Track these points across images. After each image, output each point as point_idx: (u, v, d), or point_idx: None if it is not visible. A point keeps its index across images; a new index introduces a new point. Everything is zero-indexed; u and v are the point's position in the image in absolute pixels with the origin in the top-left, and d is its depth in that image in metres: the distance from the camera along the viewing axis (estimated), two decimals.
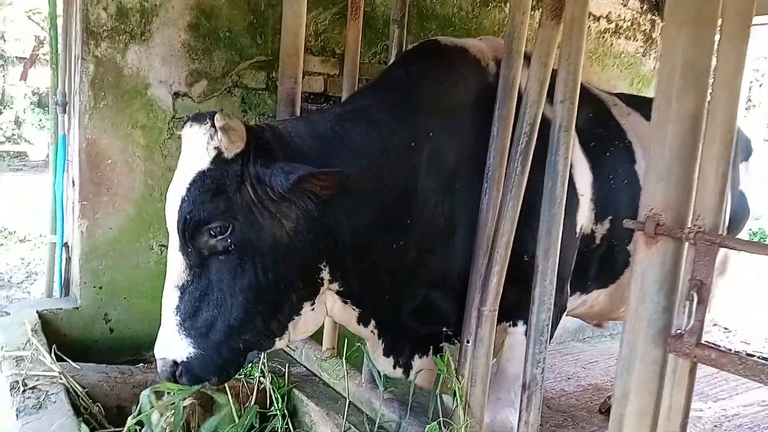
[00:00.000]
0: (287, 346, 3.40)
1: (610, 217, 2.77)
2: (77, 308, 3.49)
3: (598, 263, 2.84)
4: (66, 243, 3.78)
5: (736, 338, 6.38)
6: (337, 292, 2.35)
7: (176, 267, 2.07)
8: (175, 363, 2.08)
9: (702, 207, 1.68)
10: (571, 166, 2.53)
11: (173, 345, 2.07)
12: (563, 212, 2.17)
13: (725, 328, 6.66)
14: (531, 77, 2.20)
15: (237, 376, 3.01)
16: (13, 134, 17.23)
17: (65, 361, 2.78)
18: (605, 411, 4.45)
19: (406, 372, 2.69)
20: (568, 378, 5.02)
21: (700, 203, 1.68)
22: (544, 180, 2.18)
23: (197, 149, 2.03)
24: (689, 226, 1.70)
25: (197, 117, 2.08)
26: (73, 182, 3.58)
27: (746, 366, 1.57)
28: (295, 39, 3.61)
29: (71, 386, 2.55)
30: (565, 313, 2.75)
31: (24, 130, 17.68)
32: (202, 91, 3.65)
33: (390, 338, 2.60)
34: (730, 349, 1.63)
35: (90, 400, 2.56)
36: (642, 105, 3.22)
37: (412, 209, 2.35)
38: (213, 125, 2.01)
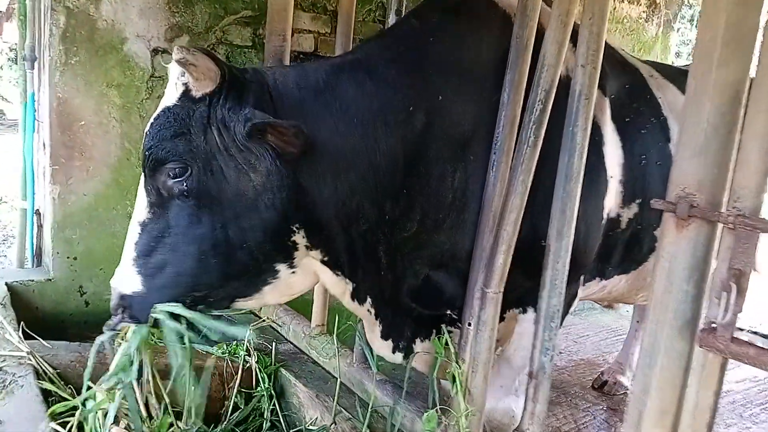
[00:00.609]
0: (273, 321, 3.24)
1: (638, 201, 2.56)
2: (50, 280, 3.28)
3: (622, 248, 2.65)
4: (38, 210, 3.54)
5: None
6: (322, 261, 2.16)
7: (140, 202, 1.99)
8: (122, 296, 1.99)
9: (742, 187, 1.50)
10: (602, 144, 2.34)
11: (125, 278, 1.98)
12: (579, 189, 1.98)
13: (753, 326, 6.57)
14: (548, 37, 1.99)
15: (221, 354, 2.85)
16: None
17: (35, 339, 2.58)
18: (598, 387, 4.38)
19: (407, 356, 2.51)
20: (560, 353, 4.92)
21: (740, 183, 1.51)
22: (560, 154, 1.99)
23: (170, 84, 1.93)
24: (728, 208, 1.53)
25: (179, 48, 1.91)
26: (44, 145, 3.33)
27: None
28: None
29: (41, 367, 2.36)
30: (578, 299, 2.58)
31: (1, 87, 17.10)
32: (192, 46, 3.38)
33: (389, 319, 2.41)
34: None
35: (62, 383, 2.37)
36: (678, 77, 3.01)
37: (412, 179, 2.15)
38: None
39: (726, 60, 1.54)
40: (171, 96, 1.91)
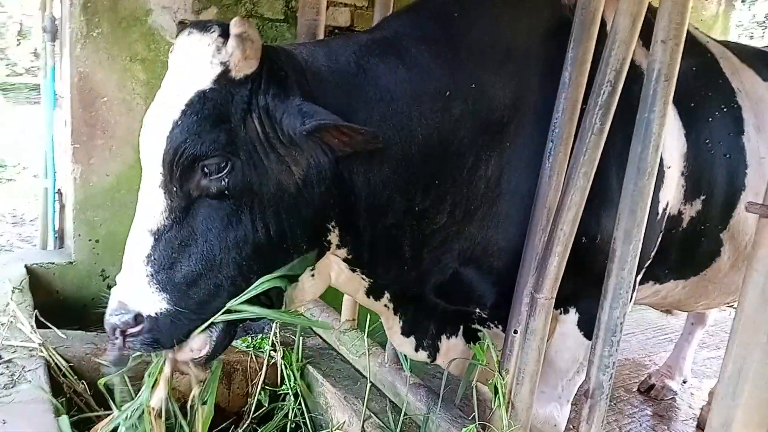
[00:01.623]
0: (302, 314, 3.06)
1: (702, 197, 2.30)
2: (71, 263, 3.16)
3: (681, 250, 2.39)
4: (59, 190, 3.41)
5: None
6: (345, 260, 1.97)
7: (153, 207, 1.66)
8: (139, 315, 1.67)
9: None
10: None
11: (142, 295, 1.67)
12: (653, 186, 1.72)
13: None
14: (620, 9, 1.72)
15: (246, 348, 2.69)
16: (31, 66, 16.83)
17: (49, 328, 2.43)
18: (645, 390, 4.11)
19: (432, 355, 2.31)
20: None
21: None
22: (632, 144, 1.72)
23: (198, 64, 1.62)
24: None
25: (200, 24, 1.69)
26: (65, 122, 3.18)
27: None
28: None
29: (53, 359, 2.21)
30: (631, 304, 2.32)
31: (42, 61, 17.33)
32: (212, 19, 3.17)
33: (411, 315, 2.22)
34: None
35: (75, 377, 2.22)
36: (758, 59, 2.68)
37: (443, 168, 1.94)
38: (222, 35, 1.63)
39: None
40: (201, 78, 1.62)
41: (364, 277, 2.06)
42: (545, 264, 1.93)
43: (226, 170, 1.63)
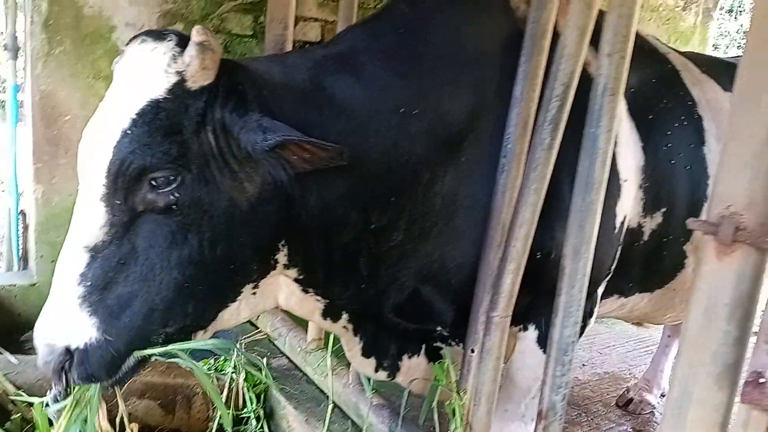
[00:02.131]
0: (267, 334, 3.02)
1: (663, 210, 2.27)
2: (34, 285, 3.10)
3: (644, 263, 2.37)
4: (23, 210, 3.36)
5: None
6: (296, 280, 1.89)
7: (92, 222, 1.57)
8: (67, 351, 1.58)
9: None
10: (614, 143, 2.05)
11: (68, 326, 1.57)
12: (602, 201, 1.69)
13: None
14: (569, 22, 1.70)
15: (207, 370, 2.63)
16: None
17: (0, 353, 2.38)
18: (623, 405, 4.06)
19: (392, 374, 2.26)
20: (583, 365, 4.60)
21: None
22: (580, 159, 1.69)
23: (152, 72, 1.57)
24: None
25: (155, 32, 1.64)
26: (28, 141, 3.14)
27: None
28: None
29: (1, 385, 2.15)
30: (594, 317, 2.29)
31: None
32: (167, 28, 3.15)
33: (370, 335, 2.16)
34: None
35: (26, 405, 2.16)
36: (720, 70, 2.67)
37: (400, 184, 1.90)
38: (179, 44, 1.58)
39: None
40: (154, 87, 1.56)
41: (318, 298, 1.99)
42: (500, 282, 1.89)
43: (175, 184, 1.56)
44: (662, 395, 4.11)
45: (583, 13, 1.66)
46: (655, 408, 4.04)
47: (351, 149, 1.75)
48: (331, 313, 2.06)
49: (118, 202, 1.57)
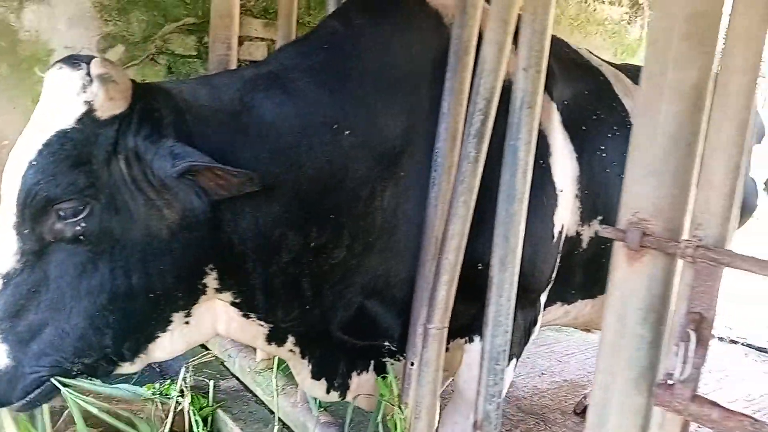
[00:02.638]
0: (216, 356, 2.98)
1: (600, 218, 2.32)
2: None
3: (585, 271, 2.41)
4: None
5: (720, 324, 6.01)
6: (233, 304, 1.85)
7: (3, 250, 1.58)
8: None
9: (705, 212, 1.24)
10: (548, 155, 2.10)
11: None
12: (525, 211, 1.72)
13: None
14: (487, 38, 1.73)
15: (151, 395, 2.59)
16: None
17: None
18: (580, 412, 4.09)
19: (343, 394, 2.25)
20: (542, 373, 4.63)
21: (703, 208, 1.25)
22: (502, 171, 1.72)
23: (62, 101, 1.56)
24: (687, 238, 1.26)
25: (71, 59, 1.61)
26: None
27: None
28: None
29: None
30: (539, 326, 2.31)
31: None
32: (119, 58, 3.14)
33: (318, 356, 2.14)
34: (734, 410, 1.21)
35: None
36: None
37: (339, 201, 1.89)
38: (89, 72, 1.56)
39: (684, 58, 1.28)
40: (63, 117, 1.55)
41: (261, 322, 1.95)
42: (435, 294, 1.91)
43: (82, 214, 1.55)
44: None
45: (500, 29, 1.70)
46: None
47: (284, 168, 1.77)
48: (276, 337, 2.02)
49: (27, 231, 1.57)
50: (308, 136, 1.82)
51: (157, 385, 2.65)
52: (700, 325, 1.21)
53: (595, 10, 5.17)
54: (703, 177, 1.26)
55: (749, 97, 1.21)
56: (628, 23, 5.48)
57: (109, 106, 1.56)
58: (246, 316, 1.90)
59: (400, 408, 2.03)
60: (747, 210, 3.22)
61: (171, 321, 1.75)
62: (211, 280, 1.77)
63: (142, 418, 2.51)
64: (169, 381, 2.66)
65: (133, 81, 1.67)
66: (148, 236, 1.62)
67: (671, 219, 1.32)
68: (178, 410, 2.56)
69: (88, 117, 1.56)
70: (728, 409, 1.20)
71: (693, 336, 1.21)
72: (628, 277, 1.37)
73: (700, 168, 1.28)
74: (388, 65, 2.01)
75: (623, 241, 1.35)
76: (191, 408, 2.57)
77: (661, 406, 1.29)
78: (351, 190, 1.90)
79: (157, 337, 1.75)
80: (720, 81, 1.24)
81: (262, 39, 3.61)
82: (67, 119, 1.55)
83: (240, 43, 3.39)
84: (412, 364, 2.01)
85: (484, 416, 1.79)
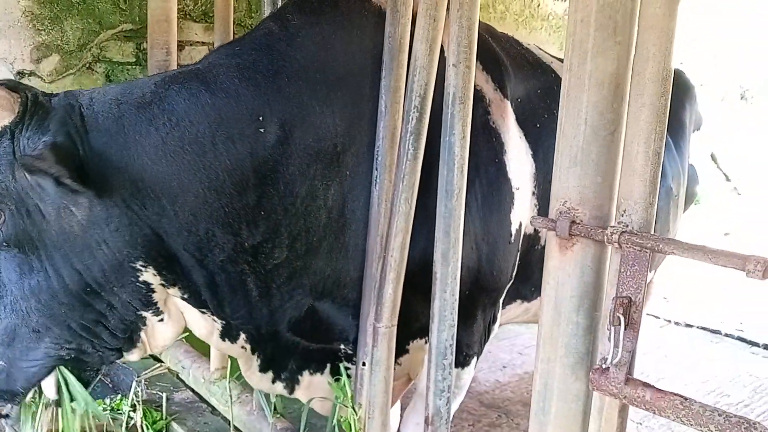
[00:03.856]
0: (169, 368, 2.94)
1: None
2: None
3: (541, 267, 2.42)
4: None
5: (675, 308, 6.19)
6: (183, 299, 1.90)
7: None
8: None
9: (629, 199, 1.27)
10: (503, 153, 2.10)
11: None
12: (463, 206, 1.73)
13: (664, 298, 6.46)
14: (417, 35, 1.74)
15: (101, 410, 2.53)
16: None
17: None
18: None
19: (290, 387, 2.22)
20: (503, 367, 4.68)
21: (626, 194, 1.28)
22: (439, 167, 1.73)
23: None
24: (613, 224, 1.29)
25: None
26: None
27: (690, 412, 1.17)
28: (165, 2, 3.06)
29: None
30: (498, 324, 2.33)
31: None
32: (54, 68, 3.05)
33: (268, 353, 2.14)
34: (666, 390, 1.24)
35: None
36: None
37: (271, 199, 1.88)
38: None
39: (602, 48, 1.31)
40: None
41: (215, 318, 1.98)
42: (382, 292, 1.91)
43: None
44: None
45: (430, 26, 1.71)
46: None
47: (196, 157, 1.77)
48: (228, 334, 2.03)
49: None
50: (225, 127, 1.81)
51: (107, 401, 2.59)
52: (629, 309, 1.24)
53: (539, 5, 5.24)
54: (625, 164, 1.29)
55: (664, 84, 1.24)
56: None
57: None
58: (201, 311, 1.95)
59: (353, 409, 2.03)
60: (689, 197, 3.30)
61: (144, 317, 1.85)
62: (151, 277, 1.80)
63: None
64: (120, 396, 2.60)
65: (28, 90, 1.72)
66: (63, 234, 1.69)
67: (598, 207, 1.35)
68: (130, 425, 2.50)
69: None
70: (660, 390, 1.23)
71: (622, 320, 1.23)
72: (561, 265, 1.39)
73: (623, 156, 1.31)
74: (325, 64, 1.98)
75: (553, 230, 1.37)
76: (144, 422, 2.52)
77: (598, 391, 1.31)
78: (285, 188, 1.88)
79: (141, 329, 1.87)
80: (635, 69, 1.27)
81: (203, 43, 3.56)
82: None
83: (181, 48, 3.34)
84: (364, 364, 2.00)
85: (435, 411, 1.80)
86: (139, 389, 2.59)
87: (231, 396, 2.49)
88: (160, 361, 3.07)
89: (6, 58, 2.94)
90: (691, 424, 1.17)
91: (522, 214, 2.21)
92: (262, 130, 1.82)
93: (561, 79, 2.56)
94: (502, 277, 2.20)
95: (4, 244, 1.67)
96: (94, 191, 1.65)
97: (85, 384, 1.89)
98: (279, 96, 1.87)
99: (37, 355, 1.77)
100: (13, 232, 1.66)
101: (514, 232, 2.18)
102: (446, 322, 1.75)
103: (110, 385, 3.17)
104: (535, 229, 2.30)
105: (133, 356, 1.93)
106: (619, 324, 1.23)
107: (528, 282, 2.42)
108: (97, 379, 1.97)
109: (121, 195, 1.69)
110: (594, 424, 1.38)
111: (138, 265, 1.76)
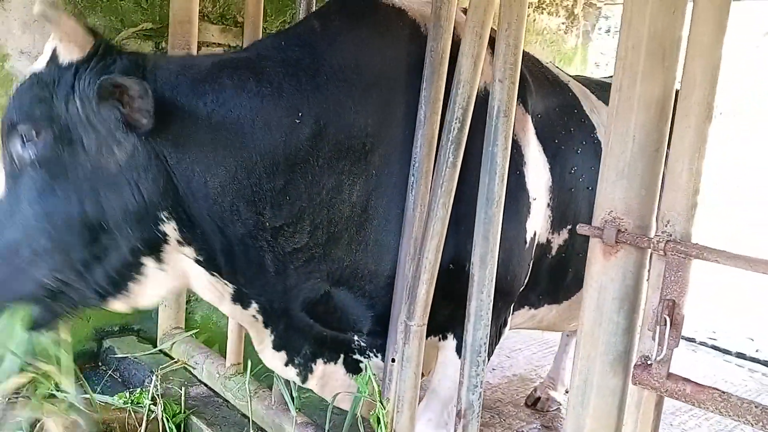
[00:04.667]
0: (185, 363, 2.98)
1: (569, 227, 2.45)
2: None
3: (551, 277, 2.53)
4: None
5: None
6: (197, 261, 1.99)
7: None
8: None
9: (672, 211, 1.40)
10: (523, 164, 2.21)
11: None
12: (501, 213, 1.85)
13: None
14: (463, 51, 1.85)
15: (123, 404, 2.57)
16: None
17: None
18: (531, 404, 4.29)
19: (303, 375, 2.30)
20: (492, 369, 4.82)
21: (670, 206, 1.40)
22: (480, 176, 1.84)
23: (45, 50, 1.86)
24: (657, 233, 1.41)
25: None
26: None
27: (729, 404, 1.30)
28: (188, 3, 3.12)
29: None
30: (508, 328, 2.44)
31: None
32: None
33: (282, 330, 2.21)
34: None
35: None
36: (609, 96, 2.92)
37: (297, 187, 1.99)
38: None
39: (650, 72, 1.43)
40: (41, 61, 1.84)
41: (226, 282, 2.07)
42: (415, 292, 2.01)
43: (36, 140, 1.77)
44: (566, 391, 4.39)
45: (475, 42, 1.82)
46: (561, 404, 4.30)
47: (234, 136, 1.89)
48: (240, 299, 2.12)
49: (7, 158, 1.84)
50: (265, 115, 1.92)
51: (127, 394, 2.63)
52: (673, 311, 1.36)
53: (534, 20, 5.42)
54: (669, 179, 1.41)
55: (708, 108, 1.37)
56: (565, 32, 5.77)
57: (66, 52, 1.79)
58: (212, 274, 2.03)
59: (381, 403, 2.12)
60: None
61: (144, 264, 1.91)
62: (171, 230, 1.90)
63: (114, 427, 2.50)
64: (139, 390, 2.65)
65: (102, 37, 1.87)
66: (98, 169, 1.80)
67: (641, 217, 1.47)
68: (151, 418, 2.55)
69: (53, 61, 1.81)
70: (700, 384, 1.35)
71: (667, 320, 1.36)
72: (604, 270, 1.51)
73: (667, 171, 1.43)
74: (361, 67, 2.08)
75: (600, 237, 1.49)
76: (165, 415, 2.57)
77: (640, 385, 1.43)
78: (313, 178, 1.99)
79: (135, 278, 1.92)
80: (682, 93, 1.39)
81: (219, 44, 3.62)
82: (41, 63, 1.84)
83: (198, 49, 3.39)
84: (393, 361, 2.10)
85: (467, 405, 1.90)
86: (157, 384, 2.64)
87: (249, 391, 2.55)
88: (172, 357, 3.12)
89: (30, 52, 2.96)
90: (730, 415, 1.30)
91: (537, 223, 2.33)
92: (297, 122, 1.93)
93: (578, 98, 2.74)
94: (516, 282, 2.31)
95: (36, 163, 1.78)
96: (137, 143, 1.79)
97: (39, 326, 1.92)
98: (317, 93, 1.99)
99: (27, 276, 1.83)
100: (48, 155, 1.78)
101: (528, 240, 2.30)
102: (482, 322, 1.86)
103: (120, 380, 3.21)
104: (547, 239, 2.43)
105: (115, 305, 1.96)
106: (665, 324, 1.36)
107: (535, 290, 2.54)
108: (53, 324, 1.98)
109: (164, 151, 1.83)
110: (631, 418, 1.50)
111: (162, 215, 1.88)
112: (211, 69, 1.95)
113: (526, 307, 2.61)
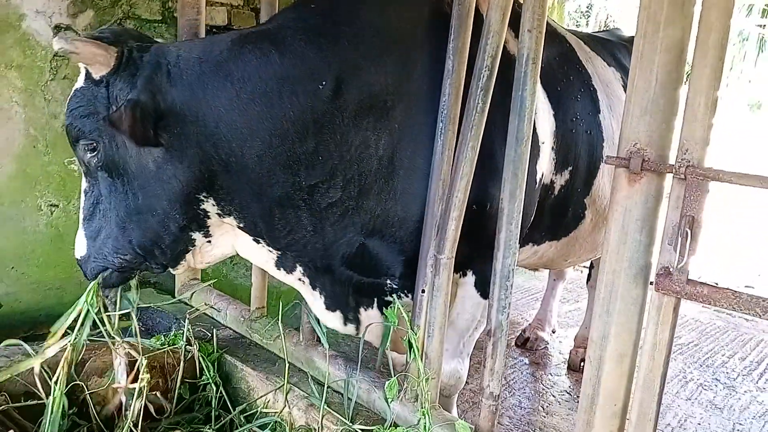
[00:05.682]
0: (207, 308, 3.13)
1: (570, 168, 2.67)
2: None
3: (553, 215, 2.75)
4: None
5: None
6: (240, 228, 2.28)
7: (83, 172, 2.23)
8: (77, 260, 2.31)
9: (690, 140, 1.62)
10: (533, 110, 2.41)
11: (78, 243, 2.30)
12: (529, 152, 2.05)
13: None
14: (492, 5, 2.02)
15: (160, 346, 2.73)
16: None
17: None
18: (521, 344, 4.60)
19: (357, 327, 2.51)
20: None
21: (688, 136, 1.62)
22: (510, 118, 2.03)
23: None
24: (678, 159, 1.64)
25: (103, 30, 2.15)
26: None
27: (740, 300, 1.55)
28: None
29: None
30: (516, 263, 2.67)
31: None
32: (89, 23, 3.14)
33: (328, 289, 2.41)
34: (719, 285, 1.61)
35: None
36: (600, 48, 3.12)
37: (328, 146, 2.15)
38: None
39: (672, 19, 1.63)
40: (80, 78, 2.09)
41: (270, 248, 2.29)
42: (444, 228, 2.20)
43: (96, 150, 2.09)
44: (553, 331, 4.71)
45: None
46: (548, 343, 4.62)
47: (265, 108, 2.05)
48: (284, 264, 2.34)
49: (80, 161, 2.18)
50: (291, 84, 2.07)
51: (162, 337, 2.78)
52: (692, 225, 1.60)
53: None
54: (688, 112, 1.63)
55: (722, 49, 1.58)
56: None
57: (95, 69, 2.02)
58: (256, 241, 2.29)
59: (413, 329, 2.33)
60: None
61: (194, 239, 2.27)
62: (210, 206, 2.19)
63: (155, 366, 2.66)
64: (173, 332, 2.80)
65: (125, 44, 2.04)
66: (141, 167, 2.09)
67: (662, 147, 1.69)
68: (188, 358, 2.71)
69: (89, 78, 2.06)
70: (715, 286, 1.60)
71: (689, 233, 1.59)
72: (629, 195, 1.73)
73: (685, 106, 1.65)
74: (380, 30, 2.24)
75: (626, 167, 1.71)
76: (200, 354, 2.73)
77: (661, 291, 1.67)
78: (341, 137, 2.15)
79: (188, 249, 2.29)
80: (699, 37, 1.60)
81: (222, 4, 3.70)
82: (80, 79, 2.09)
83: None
84: (423, 291, 2.30)
85: (497, 324, 2.13)
86: (189, 326, 2.80)
87: (282, 331, 2.73)
88: (190, 305, 3.26)
89: (45, 12, 3.01)
90: (742, 310, 1.55)
91: (544, 165, 2.55)
92: (321, 87, 2.08)
93: (574, 49, 2.94)
94: (526, 218, 2.53)
95: (99, 167, 2.12)
96: (170, 139, 2.04)
97: (123, 281, 2.38)
98: (338, 57, 2.13)
99: (104, 253, 2.23)
100: (106, 160, 2.10)
101: (538, 180, 2.52)
102: (510, 250, 2.07)
103: (144, 330, 3.35)
104: (551, 181, 2.65)
105: (177, 271, 2.41)
106: (686, 236, 1.59)
107: (540, 227, 2.76)
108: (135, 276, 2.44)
109: (197, 139, 2.04)
110: (652, 321, 1.74)
111: (201, 196, 2.15)
112: (232, 47, 2.09)
113: (530, 244, 2.84)
